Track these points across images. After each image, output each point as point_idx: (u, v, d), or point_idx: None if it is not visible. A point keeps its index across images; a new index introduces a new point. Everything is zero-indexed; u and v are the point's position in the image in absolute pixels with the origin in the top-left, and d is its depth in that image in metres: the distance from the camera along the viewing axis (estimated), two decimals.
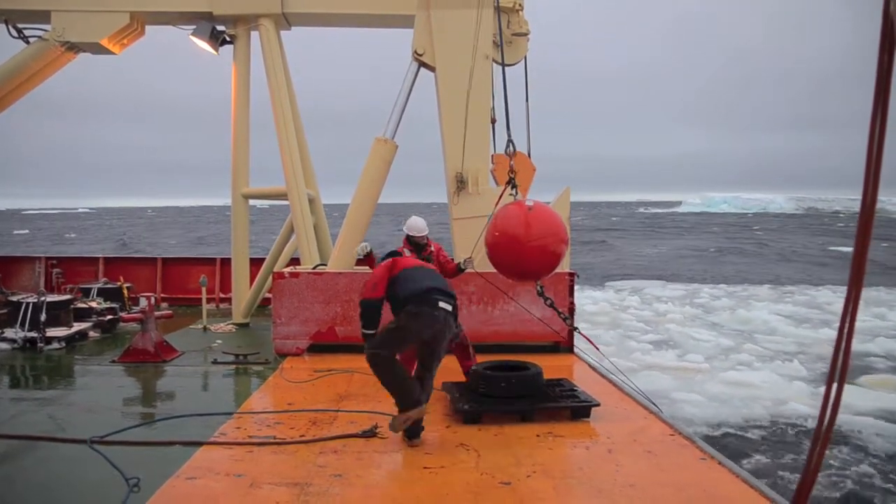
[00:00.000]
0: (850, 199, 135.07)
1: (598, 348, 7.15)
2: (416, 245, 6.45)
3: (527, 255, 5.69)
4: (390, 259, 5.15)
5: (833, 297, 22.93)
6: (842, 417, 10.61)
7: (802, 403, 11.11)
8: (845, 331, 1.44)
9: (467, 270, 6.51)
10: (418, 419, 4.67)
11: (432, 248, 6.52)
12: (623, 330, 17.56)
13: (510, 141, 6.87)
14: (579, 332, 7.99)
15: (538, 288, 6.82)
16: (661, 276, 30.75)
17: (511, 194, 6.66)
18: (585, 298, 22.38)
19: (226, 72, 10.53)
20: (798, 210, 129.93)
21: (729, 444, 9.51)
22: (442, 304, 4.63)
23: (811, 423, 10.28)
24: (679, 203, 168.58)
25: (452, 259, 6.79)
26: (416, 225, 6.47)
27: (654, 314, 20.25)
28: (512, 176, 6.67)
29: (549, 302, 6.91)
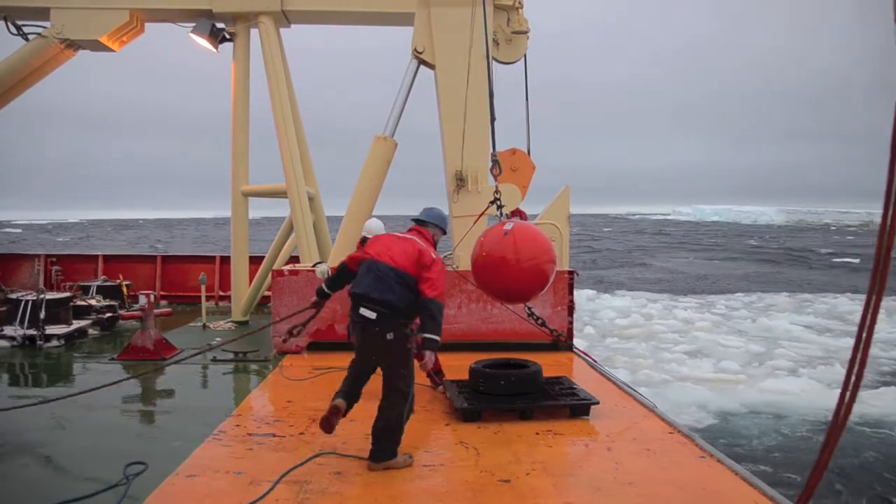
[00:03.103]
0: (839, 213, 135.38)
1: (595, 361, 7.16)
2: None
3: (514, 277, 5.33)
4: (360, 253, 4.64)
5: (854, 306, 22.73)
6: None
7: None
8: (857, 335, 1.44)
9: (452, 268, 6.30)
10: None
11: None
12: (657, 342, 17.45)
13: (496, 161, 6.51)
14: (578, 351, 8.00)
15: (527, 309, 6.75)
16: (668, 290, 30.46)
17: (496, 215, 6.42)
18: (610, 310, 22.42)
19: (226, 78, 10.48)
20: (788, 222, 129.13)
21: (768, 456, 9.46)
22: (362, 311, 4.19)
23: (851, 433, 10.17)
24: (668, 214, 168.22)
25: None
26: (369, 227, 6.38)
27: (682, 323, 20.14)
28: (497, 196, 6.40)
29: (539, 321, 6.87)
